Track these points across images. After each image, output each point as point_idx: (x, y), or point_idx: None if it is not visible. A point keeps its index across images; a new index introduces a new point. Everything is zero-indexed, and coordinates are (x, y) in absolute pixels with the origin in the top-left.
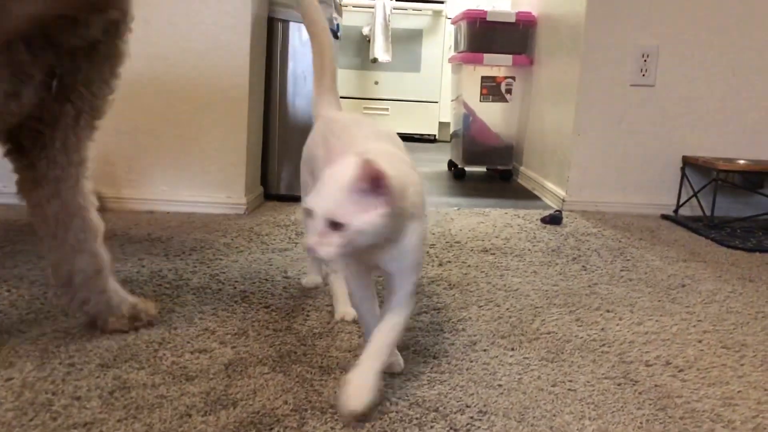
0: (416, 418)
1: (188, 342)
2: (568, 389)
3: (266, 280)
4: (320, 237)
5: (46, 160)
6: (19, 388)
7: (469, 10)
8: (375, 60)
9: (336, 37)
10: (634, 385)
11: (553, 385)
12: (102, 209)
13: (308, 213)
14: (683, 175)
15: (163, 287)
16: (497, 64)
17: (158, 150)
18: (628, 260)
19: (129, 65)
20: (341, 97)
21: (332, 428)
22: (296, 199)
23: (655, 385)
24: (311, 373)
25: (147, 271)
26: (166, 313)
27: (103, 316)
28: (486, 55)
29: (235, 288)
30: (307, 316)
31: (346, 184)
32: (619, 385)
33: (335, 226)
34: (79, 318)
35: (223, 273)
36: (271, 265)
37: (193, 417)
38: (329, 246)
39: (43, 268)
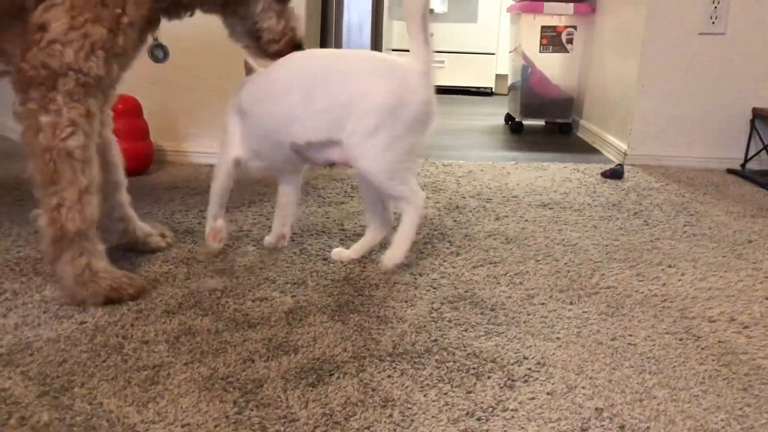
0: (473, 368)
1: (249, 290)
2: (628, 343)
3: (323, 232)
4: None
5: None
6: (92, 332)
7: None
8: (431, 11)
9: None
10: (696, 340)
11: (612, 339)
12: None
13: None
14: (752, 128)
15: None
16: (558, 13)
17: (217, 104)
18: (691, 215)
19: (188, 21)
20: (395, 50)
21: (389, 376)
22: None
23: (719, 341)
24: (369, 322)
25: None
26: (227, 263)
27: (141, 240)
28: (546, 4)
29: (294, 240)
30: (364, 267)
31: None
32: (680, 340)
33: None
34: (119, 244)
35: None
36: (327, 218)
37: (255, 362)
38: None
39: None
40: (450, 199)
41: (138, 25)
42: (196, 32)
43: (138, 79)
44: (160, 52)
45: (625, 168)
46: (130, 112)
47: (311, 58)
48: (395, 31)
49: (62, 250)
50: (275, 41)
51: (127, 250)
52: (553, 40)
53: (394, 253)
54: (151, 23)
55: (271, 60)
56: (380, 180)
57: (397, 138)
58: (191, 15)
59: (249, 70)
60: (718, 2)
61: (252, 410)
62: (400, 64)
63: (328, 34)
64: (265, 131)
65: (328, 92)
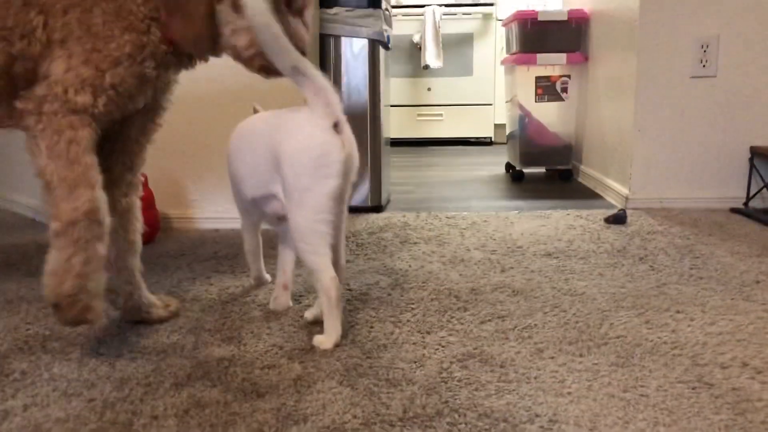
0: (485, 429)
1: (257, 358)
2: (640, 395)
3: None
4: None
5: (122, 165)
6: (101, 409)
7: (519, 11)
8: (427, 66)
9: (387, 48)
10: (709, 388)
11: (624, 391)
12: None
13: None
14: (752, 166)
15: (231, 304)
16: (551, 64)
17: (221, 168)
18: (697, 258)
19: (191, 89)
20: (393, 106)
21: None
22: (354, 210)
23: (733, 388)
24: (378, 386)
25: (215, 289)
26: (235, 330)
27: (144, 308)
28: (539, 55)
29: (300, 302)
30: (371, 327)
31: None
32: (693, 389)
33: None
34: (123, 308)
35: None
36: None
37: None
38: None
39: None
40: (455, 252)
41: (136, 64)
42: (198, 97)
43: None
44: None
45: (628, 212)
46: None
47: (258, 116)
48: (392, 88)
49: None
50: (246, 60)
51: (129, 321)
52: (548, 89)
53: (325, 338)
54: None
55: (265, 77)
56: (295, 241)
57: (309, 195)
58: (196, 61)
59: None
60: (707, 46)
61: None
62: (316, 120)
63: None
64: (235, 188)
65: (260, 150)
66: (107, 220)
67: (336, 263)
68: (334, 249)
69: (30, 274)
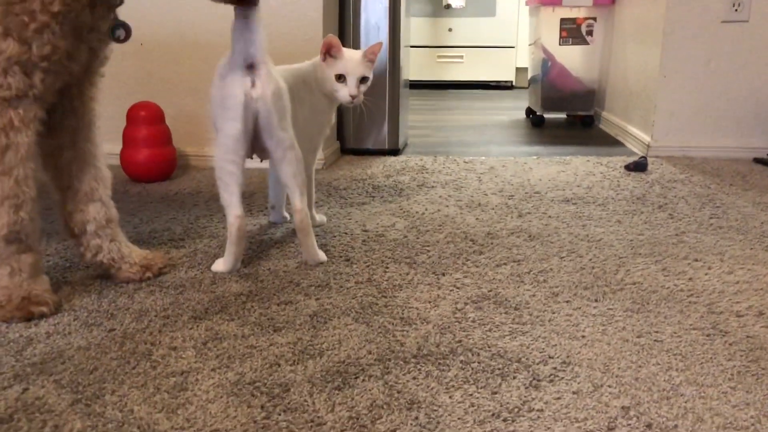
0: (498, 369)
1: (274, 294)
2: (654, 340)
3: (346, 233)
4: (357, 90)
5: (62, 109)
6: (121, 339)
7: None
8: (448, 6)
9: None
10: (724, 336)
11: (638, 336)
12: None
13: (340, 77)
14: None
15: (249, 242)
16: (577, 5)
17: None
18: (717, 207)
19: (205, 27)
20: (413, 47)
21: (414, 378)
22: (371, 153)
23: (747, 336)
24: (393, 323)
25: None
26: (252, 267)
27: (116, 265)
28: None
29: (317, 242)
30: (387, 268)
31: (361, 57)
32: (708, 336)
33: (362, 80)
34: (92, 268)
35: None
36: (350, 218)
37: (282, 366)
38: (361, 95)
39: (135, 226)
40: (472, 196)
41: (63, 26)
42: (215, 35)
43: (159, 85)
44: (121, 32)
45: (649, 160)
46: (153, 119)
47: None
48: (412, 28)
49: None
50: None
51: (103, 276)
52: (572, 32)
53: (220, 262)
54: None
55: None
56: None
57: (219, 134)
58: None
59: None
60: None
61: (279, 414)
62: (229, 62)
63: (345, 34)
64: None
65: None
66: (31, 228)
67: (282, 205)
68: (288, 189)
69: (48, 207)
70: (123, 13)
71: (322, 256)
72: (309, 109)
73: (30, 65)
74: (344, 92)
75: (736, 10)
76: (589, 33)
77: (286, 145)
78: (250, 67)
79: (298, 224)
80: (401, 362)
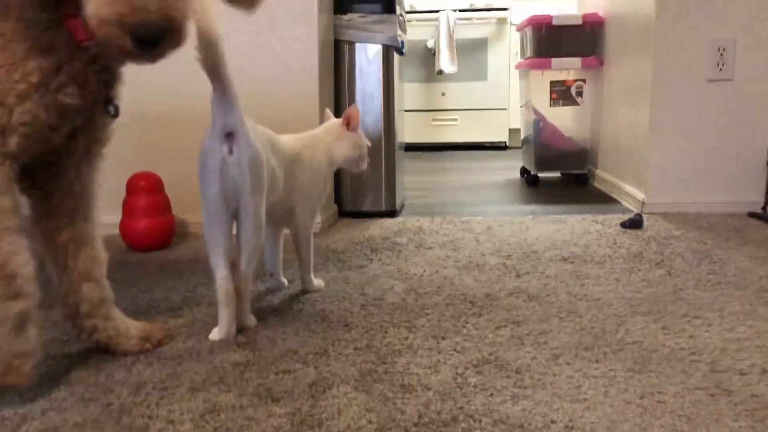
0: None
1: (272, 363)
2: (657, 401)
3: (344, 298)
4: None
5: (61, 191)
6: (118, 413)
7: (534, 16)
8: (441, 72)
9: (401, 53)
10: (728, 395)
11: (641, 398)
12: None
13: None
14: None
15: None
16: (566, 68)
17: None
18: (714, 263)
19: (202, 97)
20: (407, 111)
21: None
22: (368, 215)
23: (752, 395)
24: (393, 391)
25: None
26: (250, 335)
27: (113, 341)
28: (554, 60)
29: (315, 307)
30: (386, 333)
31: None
32: (712, 395)
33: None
34: (91, 345)
35: (303, 293)
36: (348, 282)
37: None
38: None
39: (133, 296)
40: (470, 257)
41: (44, 98)
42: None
43: (158, 154)
44: (111, 109)
45: (644, 217)
46: (152, 188)
47: None
48: (407, 93)
49: None
50: None
51: (102, 350)
52: (562, 94)
53: (215, 330)
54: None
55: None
56: None
57: (203, 198)
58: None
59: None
60: (724, 50)
61: None
62: (210, 129)
63: (341, 102)
64: None
65: None
66: (25, 270)
67: (236, 265)
68: (239, 252)
69: (48, 279)
70: (127, 85)
71: (251, 321)
72: (311, 174)
73: (9, 128)
74: (365, 161)
75: (720, 69)
76: (579, 94)
77: (248, 212)
78: (229, 136)
79: (235, 288)
80: (402, 431)
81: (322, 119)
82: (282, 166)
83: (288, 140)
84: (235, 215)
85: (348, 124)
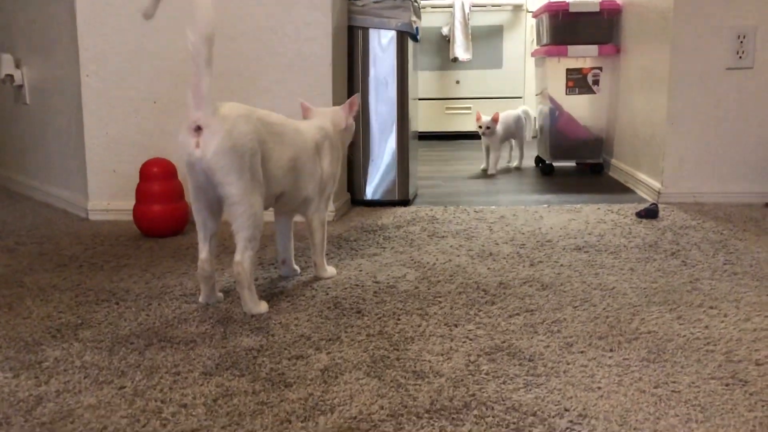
0: (513, 423)
1: (285, 348)
2: (672, 391)
3: (357, 285)
4: None
5: None
6: (131, 396)
7: (550, 2)
8: (455, 59)
9: (416, 40)
10: (743, 385)
11: (655, 387)
12: None
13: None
14: None
15: (260, 295)
16: (582, 56)
17: None
18: (731, 253)
19: (220, 83)
20: (421, 99)
21: None
22: (381, 204)
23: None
24: (405, 377)
25: None
26: (263, 321)
27: None
28: (570, 47)
29: (327, 294)
30: (398, 320)
31: None
32: (727, 385)
33: None
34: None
35: (316, 280)
36: (360, 270)
37: (293, 423)
38: None
39: (147, 281)
40: (483, 246)
41: None
42: (229, 91)
43: (170, 139)
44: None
45: (660, 207)
46: (165, 175)
47: None
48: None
49: None
50: None
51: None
52: (579, 82)
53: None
54: None
55: None
56: None
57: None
58: None
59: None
60: (744, 37)
61: None
62: (185, 121)
63: (354, 89)
64: None
65: None
66: None
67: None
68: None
69: (62, 264)
70: (138, 70)
71: (257, 308)
72: (330, 160)
73: None
74: None
75: (740, 57)
76: (596, 82)
77: (231, 201)
78: (198, 130)
79: (235, 276)
80: (414, 417)
81: (335, 106)
82: (294, 154)
83: (307, 127)
84: (219, 203)
85: (350, 111)
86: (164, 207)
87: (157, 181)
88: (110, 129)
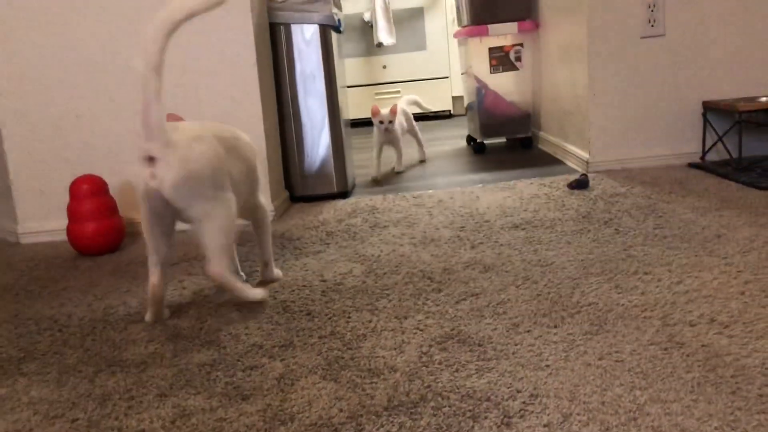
0: (469, 410)
1: (238, 360)
2: (616, 360)
3: (304, 286)
4: None
5: None
6: (86, 428)
7: None
8: (380, 44)
9: (339, 32)
10: (680, 348)
11: (600, 359)
12: None
13: None
14: (705, 121)
15: (207, 307)
16: (503, 33)
17: None
18: (660, 217)
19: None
20: (350, 87)
21: (388, 431)
22: (320, 198)
23: (702, 345)
24: (361, 377)
25: (188, 293)
26: (213, 333)
27: None
28: (491, 26)
29: (276, 298)
30: (349, 318)
31: None
32: (665, 349)
33: None
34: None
35: (262, 284)
36: (306, 270)
37: None
38: None
39: (89, 303)
40: (424, 232)
41: None
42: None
43: (98, 155)
44: None
45: (590, 176)
46: (96, 191)
47: None
48: (348, 69)
49: None
50: None
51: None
52: (502, 59)
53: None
54: None
55: None
56: None
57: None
58: None
59: None
60: (654, 6)
61: None
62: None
63: (282, 85)
64: None
65: None
66: None
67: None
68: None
69: (18, 294)
70: (58, 86)
71: (255, 294)
72: (256, 160)
73: None
74: None
75: (652, 25)
76: (518, 59)
77: (201, 218)
78: (151, 160)
79: (217, 285)
80: (373, 417)
81: (264, 106)
82: (250, 163)
83: (238, 134)
84: (173, 227)
85: None
86: (98, 224)
87: (88, 198)
88: (32, 148)
